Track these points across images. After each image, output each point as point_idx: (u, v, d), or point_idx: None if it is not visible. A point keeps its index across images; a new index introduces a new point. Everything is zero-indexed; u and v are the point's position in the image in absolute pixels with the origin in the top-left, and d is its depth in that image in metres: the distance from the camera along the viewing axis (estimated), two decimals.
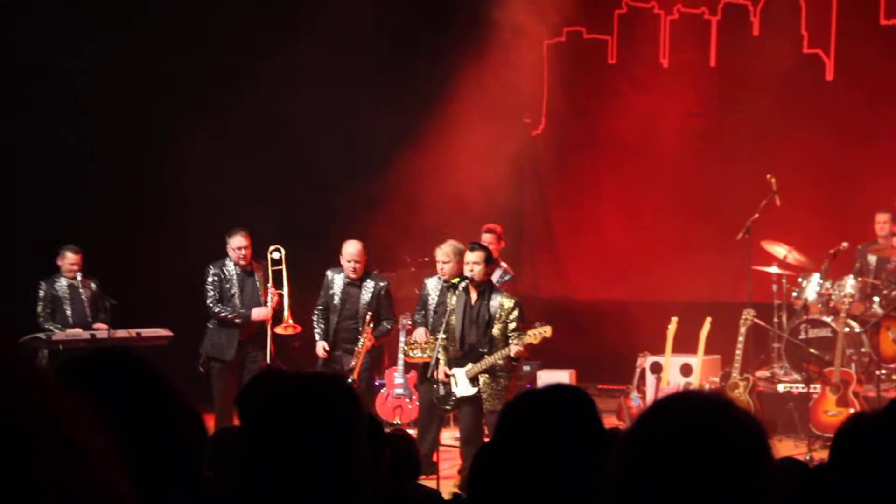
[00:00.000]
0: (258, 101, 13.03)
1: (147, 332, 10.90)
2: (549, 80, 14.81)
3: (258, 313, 10.55)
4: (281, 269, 10.66)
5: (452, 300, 9.34)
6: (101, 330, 10.86)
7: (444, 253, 9.83)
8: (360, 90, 13.68)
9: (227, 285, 10.63)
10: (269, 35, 13.37)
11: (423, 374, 9.82)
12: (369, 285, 10.34)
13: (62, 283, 11.12)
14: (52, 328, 10.85)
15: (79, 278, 11.10)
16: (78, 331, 10.94)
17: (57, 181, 12.69)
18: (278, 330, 10.58)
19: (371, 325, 10.19)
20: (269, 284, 10.63)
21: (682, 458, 1.75)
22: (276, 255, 10.65)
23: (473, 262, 9.17)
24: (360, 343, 10.18)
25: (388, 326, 10.52)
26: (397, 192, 13.25)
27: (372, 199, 13.51)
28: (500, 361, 9.08)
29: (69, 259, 11.07)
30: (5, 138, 12.40)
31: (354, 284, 10.34)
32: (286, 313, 10.56)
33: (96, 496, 0.87)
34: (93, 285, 11.19)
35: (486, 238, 11.48)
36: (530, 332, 8.96)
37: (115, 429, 0.93)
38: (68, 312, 11.08)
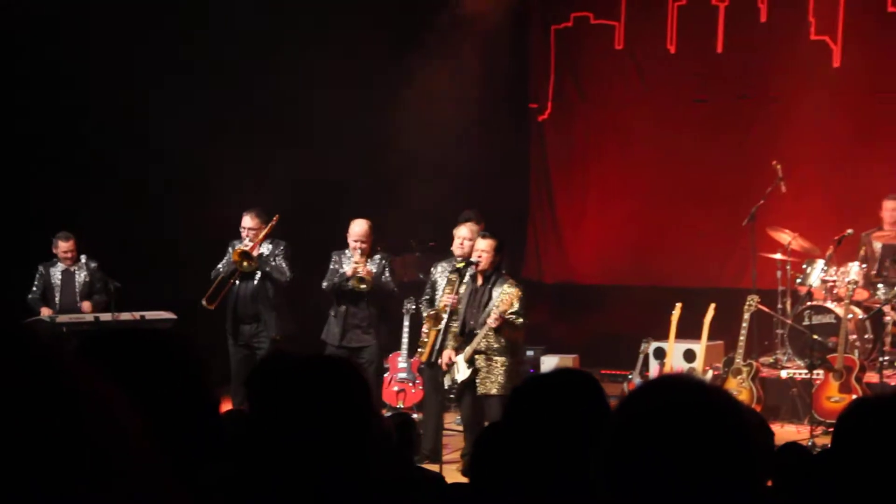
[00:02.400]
0: (278, 85, 12.96)
1: (151, 314, 10.92)
2: (556, 65, 14.79)
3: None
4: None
5: (461, 288, 9.35)
6: (100, 312, 10.93)
7: (469, 230, 9.84)
8: (366, 76, 13.63)
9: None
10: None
11: (428, 360, 9.88)
12: (373, 263, 10.36)
13: (57, 270, 11.21)
14: (38, 309, 10.99)
15: (83, 260, 11.16)
16: (83, 311, 11.02)
17: (68, 166, 12.70)
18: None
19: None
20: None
21: (660, 435, 1.78)
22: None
23: (482, 251, 9.18)
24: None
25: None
26: (404, 175, 13.23)
27: (379, 184, 13.48)
28: (484, 340, 9.10)
29: (61, 248, 11.19)
30: (10, 123, 12.41)
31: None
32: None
33: (136, 469, 0.89)
34: (92, 265, 11.23)
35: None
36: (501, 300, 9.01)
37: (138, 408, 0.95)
38: (57, 299, 11.20)
